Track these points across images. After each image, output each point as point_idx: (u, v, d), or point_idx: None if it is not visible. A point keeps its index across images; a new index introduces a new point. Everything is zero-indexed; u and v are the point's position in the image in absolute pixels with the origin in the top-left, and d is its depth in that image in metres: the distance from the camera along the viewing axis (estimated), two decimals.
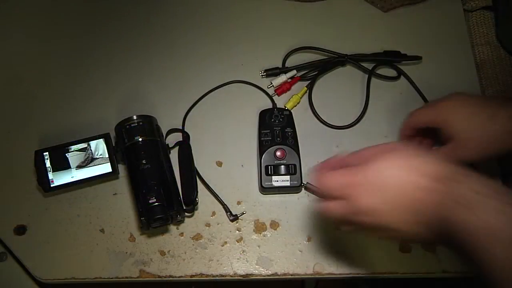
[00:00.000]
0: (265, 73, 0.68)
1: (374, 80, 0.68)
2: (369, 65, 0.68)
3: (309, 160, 0.62)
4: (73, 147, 0.58)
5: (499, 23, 0.73)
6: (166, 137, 0.62)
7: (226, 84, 0.68)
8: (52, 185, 0.56)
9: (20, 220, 0.60)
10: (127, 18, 0.74)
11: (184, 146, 0.62)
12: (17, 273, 0.60)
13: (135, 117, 0.57)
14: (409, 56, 0.68)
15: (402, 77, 0.68)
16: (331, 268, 0.56)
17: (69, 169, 0.57)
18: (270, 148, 0.59)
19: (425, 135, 0.59)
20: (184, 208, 0.57)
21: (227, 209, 0.59)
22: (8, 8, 0.77)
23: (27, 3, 0.77)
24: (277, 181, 0.58)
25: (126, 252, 0.58)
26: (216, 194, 0.60)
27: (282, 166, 0.58)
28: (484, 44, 0.72)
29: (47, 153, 0.57)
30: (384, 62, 0.68)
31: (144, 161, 0.54)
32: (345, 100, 0.67)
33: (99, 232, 0.59)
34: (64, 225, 0.60)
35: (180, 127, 0.64)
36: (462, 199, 0.33)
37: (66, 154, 0.57)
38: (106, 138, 0.59)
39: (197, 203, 0.58)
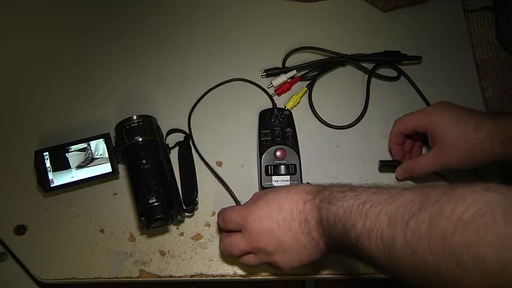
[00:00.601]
0: (265, 73, 0.68)
1: (374, 80, 0.68)
2: (369, 65, 0.68)
3: (309, 160, 0.62)
4: (73, 147, 0.58)
5: (499, 23, 0.73)
6: (166, 137, 0.62)
7: (228, 82, 0.68)
8: (52, 185, 0.56)
9: (20, 220, 0.60)
10: (127, 18, 0.74)
11: (184, 146, 0.62)
12: (17, 273, 0.60)
13: (135, 117, 0.57)
14: (409, 56, 0.68)
15: (402, 77, 0.68)
16: (331, 268, 0.56)
17: (69, 169, 0.57)
18: (270, 148, 0.59)
19: (414, 140, 0.62)
20: (184, 208, 0.56)
21: (236, 201, 0.59)
22: (8, 7, 0.77)
23: (27, 2, 0.77)
24: (277, 181, 0.58)
25: (126, 252, 0.58)
26: (228, 186, 0.60)
27: (282, 166, 0.58)
28: (484, 44, 0.73)
29: (47, 153, 0.57)
30: (384, 62, 0.68)
31: (144, 161, 0.54)
32: (345, 100, 0.67)
33: (99, 232, 0.59)
34: (64, 225, 0.60)
35: (180, 127, 0.64)
36: (329, 198, 0.40)
37: (66, 154, 0.57)
38: (106, 138, 0.58)
39: (197, 203, 0.58)
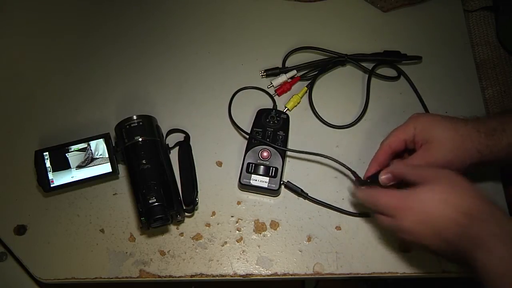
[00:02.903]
0: (265, 73, 0.68)
1: (374, 80, 0.68)
2: (369, 65, 0.68)
3: (309, 159, 0.62)
4: (73, 147, 0.58)
5: (499, 23, 0.73)
6: (166, 137, 0.62)
7: (236, 93, 0.67)
8: (52, 185, 0.56)
9: (20, 220, 0.60)
10: (127, 18, 0.74)
11: (184, 146, 0.62)
12: (17, 273, 0.60)
13: (135, 117, 0.57)
14: (409, 56, 0.68)
15: (402, 77, 0.68)
16: (331, 268, 0.56)
17: (69, 169, 0.57)
18: (257, 147, 0.59)
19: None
20: (184, 208, 0.57)
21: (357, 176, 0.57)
22: (8, 7, 0.77)
23: (27, 3, 0.77)
24: (256, 180, 0.58)
25: (126, 252, 0.58)
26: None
27: (263, 166, 0.58)
28: (484, 44, 0.73)
29: (47, 153, 0.57)
30: (384, 62, 0.68)
31: (144, 161, 0.54)
32: (345, 99, 0.67)
33: (99, 232, 0.59)
34: (64, 225, 0.60)
35: (180, 127, 0.64)
36: (478, 240, 0.40)
37: (66, 154, 0.57)
38: (106, 138, 0.59)
39: (197, 203, 0.58)
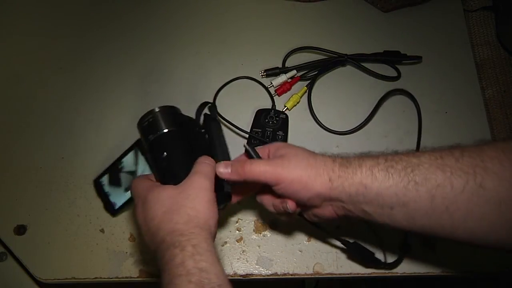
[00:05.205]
0: (265, 73, 0.68)
1: (374, 80, 0.68)
2: (369, 65, 0.68)
3: None
4: (124, 163, 0.55)
5: (499, 23, 0.73)
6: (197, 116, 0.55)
7: (233, 81, 0.68)
8: (116, 208, 0.55)
9: (20, 220, 0.60)
10: (128, 18, 0.74)
11: (213, 122, 0.54)
12: (17, 273, 0.60)
13: (157, 109, 0.50)
14: (409, 56, 0.68)
15: (402, 77, 0.68)
16: (331, 268, 0.56)
17: (121, 187, 0.55)
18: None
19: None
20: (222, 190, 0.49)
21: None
22: (8, 7, 0.77)
23: (27, 2, 0.77)
24: None
25: (126, 252, 0.58)
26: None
27: None
28: (484, 44, 0.73)
29: (104, 178, 0.56)
30: (384, 62, 0.68)
31: (165, 155, 0.47)
32: (345, 99, 0.67)
33: (99, 232, 0.59)
34: (64, 225, 0.60)
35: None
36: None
37: (120, 174, 0.55)
38: (139, 146, 0.54)
39: (230, 192, 0.50)
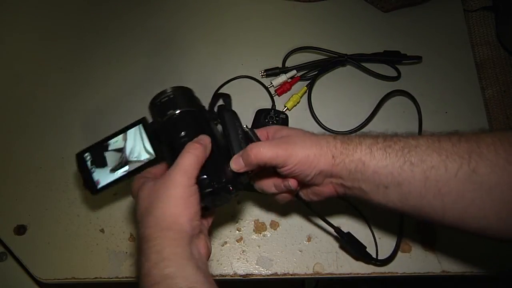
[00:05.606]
0: (265, 73, 0.68)
1: (374, 80, 0.68)
2: (369, 65, 0.68)
3: None
4: (111, 143, 0.50)
5: (499, 23, 0.73)
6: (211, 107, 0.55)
7: (233, 80, 0.68)
8: (99, 187, 0.49)
9: (20, 220, 0.60)
10: (128, 18, 0.74)
11: (227, 112, 0.51)
12: (17, 273, 0.60)
13: (169, 90, 0.50)
14: (409, 56, 0.68)
15: (402, 77, 0.68)
16: (331, 268, 0.56)
17: (106, 167, 0.50)
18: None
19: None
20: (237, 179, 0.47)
21: None
22: (8, 7, 0.77)
23: (27, 3, 0.77)
24: None
25: (126, 252, 0.58)
26: None
27: None
28: (484, 44, 0.73)
29: (87, 153, 0.50)
30: (384, 62, 0.68)
31: (183, 134, 0.46)
32: (345, 100, 0.67)
33: (99, 232, 0.59)
34: (64, 225, 0.60)
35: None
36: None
37: (105, 153, 0.50)
38: (144, 123, 0.50)
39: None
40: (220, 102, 0.54)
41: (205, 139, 0.45)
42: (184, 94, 0.51)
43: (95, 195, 0.49)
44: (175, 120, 0.48)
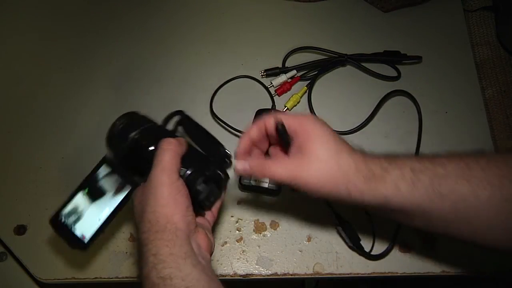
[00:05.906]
0: (265, 73, 0.68)
1: (374, 80, 0.68)
2: (369, 65, 0.68)
3: None
4: (81, 193, 0.48)
5: (499, 23, 0.73)
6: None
7: (233, 80, 0.68)
8: (86, 241, 0.46)
9: (20, 220, 0.60)
10: (128, 18, 0.74)
11: (186, 120, 0.54)
12: (17, 273, 0.60)
13: (119, 119, 0.50)
14: (409, 56, 0.68)
15: (402, 77, 0.68)
16: (331, 268, 0.56)
17: (83, 218, 0.47)
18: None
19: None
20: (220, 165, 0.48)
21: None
22: (8, 8, 0.77)
23: (27, 3, 0.77)
24: (256, 180, 0.57)
25: (126, 252, 0.58)
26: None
27: None
28: (484, 44, 0.73)
29: (60, 215, 0.47)
30: (384, 62, 0.68)
31: (152, 147, 0.46)
32: (345, 99, 0.67)
33: None
34: None
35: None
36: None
37: (80, 204, 0.48)
38: (106, 160, 0.49)
39: (231, 155, 0.50)
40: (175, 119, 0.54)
41: (177, 138, 0.45)
42: (135, 116, 0.52)
43: (87, 250, 0.46)
44: (139, 138, 0.48)
